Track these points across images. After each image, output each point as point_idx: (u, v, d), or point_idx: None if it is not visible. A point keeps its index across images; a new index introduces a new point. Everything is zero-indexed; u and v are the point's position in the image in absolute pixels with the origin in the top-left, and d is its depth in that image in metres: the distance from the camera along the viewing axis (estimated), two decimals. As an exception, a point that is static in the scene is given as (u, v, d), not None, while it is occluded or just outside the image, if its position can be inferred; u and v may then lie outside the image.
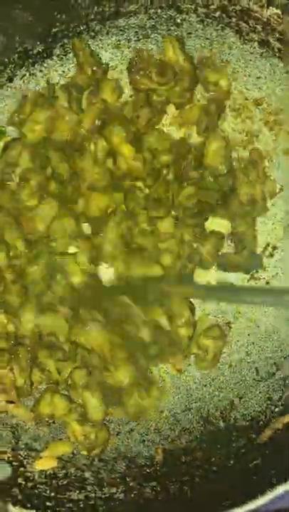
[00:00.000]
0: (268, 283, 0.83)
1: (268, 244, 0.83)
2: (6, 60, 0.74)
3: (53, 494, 0.67)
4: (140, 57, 0.80)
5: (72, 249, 0.78)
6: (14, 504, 0.64)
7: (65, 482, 0.69)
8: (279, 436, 0.72)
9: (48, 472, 0.69)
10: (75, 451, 0.74)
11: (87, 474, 0.71)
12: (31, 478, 0.68)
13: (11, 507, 0.63)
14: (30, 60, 0.76)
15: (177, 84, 0.79)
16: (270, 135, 0.82)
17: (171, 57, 0.76)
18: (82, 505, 0.66)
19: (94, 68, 0.78)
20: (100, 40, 0.78)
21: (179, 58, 0.76)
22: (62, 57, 0.78)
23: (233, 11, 0.72)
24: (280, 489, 0.65)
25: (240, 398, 0.79)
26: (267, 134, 0.82)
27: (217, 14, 0.73)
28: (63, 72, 0.80)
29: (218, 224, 0.82)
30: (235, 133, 0.83)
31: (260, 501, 0.65)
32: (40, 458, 0.71)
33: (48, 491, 0.67)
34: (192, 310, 0.81)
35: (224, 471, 0.71)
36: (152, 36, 0.78)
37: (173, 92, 0.80)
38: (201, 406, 0.80)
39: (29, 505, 0.64)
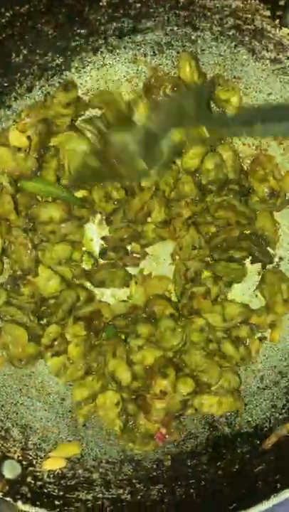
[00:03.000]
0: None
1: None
2: (27, 71, 0.76)
3: (61, 493, 0.68)
4: (155, 75, 0.83)
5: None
6: (24, 502, 0.65)
7: (73, 482, 0.71)
8: (283, 443, 0.74)
9: (56, 472, 0.71)
10: (83, 453, 0.75)
11: (94, 476, 0.73)
12: (40, 477, 0.69)
13: (20, 504, 0.65)
14: (50, 72, 0.79)
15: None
16: (278, 149, 0.85)
17: (186, 73, 0.79)
18: (90, 505, 0.68)
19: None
20: (117, 54, 0.81)
21: (194, 75, 0.79)
22: (80, 70, 0.81)
23: (247, 30, 0.75)
24: (285, 494, 0.67)
25: (245, 405, 0.81)
26: (276, 148, 0.85)
27: (231, 32, 0.76)
28: (81, 84, 0.83)
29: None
30: (244, 146, 0.86)
31: (265, 506, 0.66)
32: (49, 458, 0.72)
33: (56, 491, 0.68)
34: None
35: (229, 476, 0.72)
36: (167, 52, 0.81)
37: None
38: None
39: (38, 504, 0.65)
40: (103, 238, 0.84)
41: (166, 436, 0.79)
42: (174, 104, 0.76)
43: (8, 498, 0.65)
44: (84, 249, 0.87)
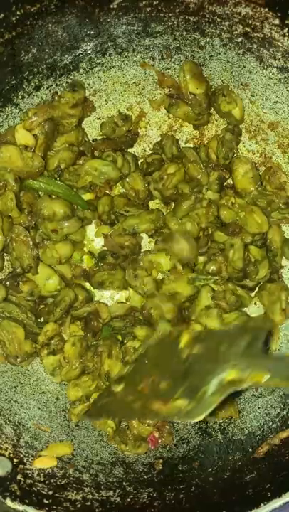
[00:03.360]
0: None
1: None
2: (35, 70, 0.77)
3: (50, 493, 0.68)
4: (161, 79, 0.84)
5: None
6: (12, 500, 0.65)
7: (63, 482, 0.70)
8: (276, 452, 0.73)
9: (47, 471, 0.71)
10: (74, 453, 0.75)
11: (85, 476, 0.72)
12: (30, 475, 0.69)
13: (9, 502, 0.65)
14: (58, 72, 0.80)
15: (192, 108, 0.82)
16: (282, 157, 0.85)
17: (187, 85, 0.80)
18: (79, 506, 0.67)
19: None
20: (126, 56, 0.81)
21: (189, 86, 0.80)
22: (88, 71, 0.81)
23: (255, 38, 0.75)
24: (275, 503, 0.66)
25: (239, 412, 0.80)
26: (280, 156, 0.85)
27: (239, 40, 0.76)
28: (88, 85, 0.83)
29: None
30: (249, 154, 0.86)
31: (254, 514, 0.66)
32: (40, 456, 0.72)
33: (45, 489, 0.68)
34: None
35: (220, 482, 0.72)
36: (176, 57, 0.82)
37: (189, 116, 0.83)
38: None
39: (27, 502, 0.65)
40: (105, 236, 0.84)
41: (159, 440, 0.79)
42: (224, 340, 0.66)
43: (-4, 495, 0.64)
44: (85, 249, 0.88)
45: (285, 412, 0.77)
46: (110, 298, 0.87)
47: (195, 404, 0.62)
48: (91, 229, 0.87)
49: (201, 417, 0.61)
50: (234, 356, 0.63)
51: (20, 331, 0.79)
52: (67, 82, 0.81)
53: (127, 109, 0.86)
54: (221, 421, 0.80)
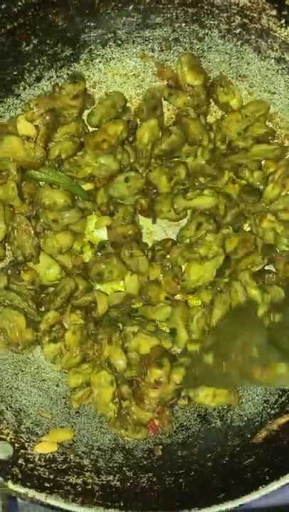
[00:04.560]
0: None
1: None
2: (36, 61, 0.78)
3: (51, 477, 0.69)
4: (160, 71, 0.85)
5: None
6: (14, 482, 0.66)
7: (63, 467, 0.71)
8: (274, 437, 0.74)
9: (47, 456, 0.71)
10: (74, 439, 0.76)
11: (85, 461, 0.73)
12: (31, 460, 0.70)
13: (11, 484, 0.65)
14: (59, 63, 0.81)
15: (192, 98, 0.83)
16: (281, 149, 0.86)
17: (185, 77, 0.81)
18: (79, 489, 0.68)
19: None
20: (126, 48, 0.82)
21: (187, 78, 0.81)
22: (88, 62, 0.83)
23: (253, 29, 0.76)
24: (273, 486, 0.67)
25: (238, 400, 0.81)
26: (278, 147, 0.86)
27: (238, 31, 0.77)
28: (88, 76, 0.84)
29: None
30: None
31: (252, 497, 0.67)
32: (41, 442, 0.73)
33: (46, 473, 0.69)
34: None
35: (219, 467, 0.73)
36: (174, 48, 0.83)
37: (188, 106, 0.84)
38: (199, 404, 0.82)
39: (28, 484, 0.66)
40: (108, 227, 0.85)
41: (159, 428, 0.80)
42: None
43: (-2, 478, 0.65)
44: (85, 240, 0.88)
45: (283, 399, 0.78)
46: (111, 288, 0.88)
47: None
48: (92, 220, 0.88)
49: None
50: None
51: (21, 319, 0.80)
52: (67, 74, 0.82)
53: (122, 93, 0.86)
54: (219, 408, 0.81)
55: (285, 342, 0.68)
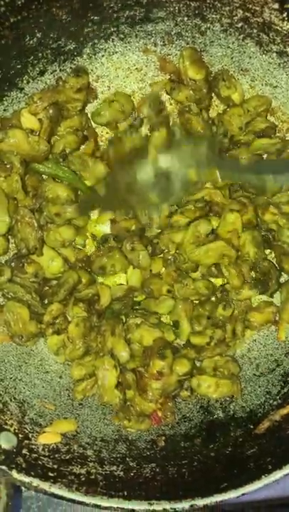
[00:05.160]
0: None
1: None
2: (40, 54, 0.78)
3: (55, 466, 0.69)
4: (162, 65, 0.86)
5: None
6: (18, 471, 0.66)
7: (67, 457, 0.72)
8: (277, 428, 0.74)
9: (51, 446, 0.72)
10: (78, 430, 0.76)
11: (89, 452, 0.74)
12: (35, 450, 0.70)
13: (15, 473, 0.66)
14: (62, 57, 0.81)
15: (194, 93, 0.84)
16: (282, 142, 0.86)
17: (187, 71, 0.82)
18: (83, 479, 0.69)
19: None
20: (128, 42, 0.83)
21: (188, 72, 0.81)
22: (91, 56, 0.83)
23: (255, 23, 0.77)
24: (276, 475, 0.67)
25: (240, 391, 0.82)
26: (280, 141, 0.86)
27: (240, 25, 0.78)
28: (91, 70, 0.85)
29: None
30: (249, 138, 0.88)
31: (255, 486, 0.67)
32: (45, 432, 0.73)
33: (50, 463, 0.69)
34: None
35: (222, 457, 0.73)
36: (177, 42, 0.83)
37: (190, 100, 0.85)
38: (202, 396, 0.82)
39: (32, 474, 0.66)
40: (112, 221, 0.85)
41: (162, 420, 0.80)
42: (188, 146, 0.78)
43: (3, 467, 0.66)
44: (88, 234, 0.89)
45: (285, 390, 0.79)
46: (113, 281, 0.88)
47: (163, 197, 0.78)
48: (94, 215, 0.89)
49: (167, 208, 0.79)
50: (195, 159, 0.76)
51: (24, 311, 0.80)
52: (71, 68, 0.83)
53: (129, 95, 0.87)
54: (222, 399, 0.81)
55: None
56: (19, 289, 0.81)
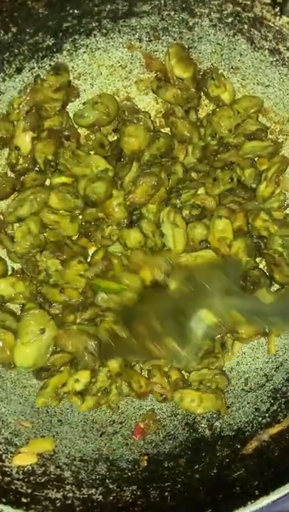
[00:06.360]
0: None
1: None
2: (16, 51, 0.74)
3: (29, 491, 0.65)
4: (148, 62, 0.81)
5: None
6: (-12, 498, 0.62)
7: (43, 480, 0.68)
8: (265, 449, 0.71)
9: (26, 468, 0.68)
10: (56, 450, 0.72)
11: (66, 474, 0.70)
12: (8, 473, 0.66)
13: (-16, 500, 0.62)
14: (40, 54, 0.76)
15: (182, 92, 0.80)
16: (274, 145, 0.82)
17: (173, 69, 0.78)
18: (58, 504, 0.65)
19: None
20: (111, 38, 0.78)
21: (175, 70, 0.77)
22: (72, 53, 0.78)
23: (246, 18, 0.72)
24: (263, 502, 0.64)
25: (228, 407, 0.78)
26: (272, 143, 0.82)
27: (230, 20, 0.73)
28: (72, 68, 0.80)
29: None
30: (240, 140, 0.83)
31: (241, 512, 0.63)
32: (20, 453, 0.69)
33: (24, 488, 0.65)
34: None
35: (206, 480, 0.69)
36: (163, 38, 0.78)
37: (178, 100, 0.80)
38: (187, 412, 0.78)
39: (3, 501, 0.62)
40: None
41: (146, 430, 0.77)
42: (206, 279, 0.69)
43: (-28, 493, 0.62)
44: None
45: (275, 407, 0.75)
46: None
47: (186, 347, 0.66)
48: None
49: (193, 362, 0.70)
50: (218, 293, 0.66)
51: (11, 338, 0.76)
52: (50, 65, 0.78)
53: (113, 94, 0.83)
54: (208, 416, 0.77)
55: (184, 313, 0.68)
56: (7, 317, 0.77)
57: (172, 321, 0.67)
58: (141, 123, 0.80)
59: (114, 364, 0.76)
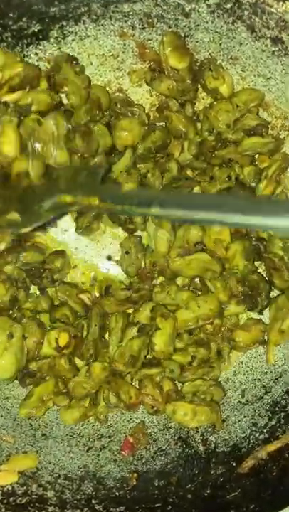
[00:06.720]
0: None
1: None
2: (-2, 37, 0.69)
3: (8, 514, 0.61)
4: (141, 51, 0.76)
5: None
6: None
7: (23, 501, 0.63)
8: (262, 468, 0.66)
9: (6, 488, 0.64)
10: (39, 467, 0.68)
11: (49, 493, 0.65)
12: (-13, 493, 0.62)
13: None
14: (25, 41, 0.71)
15: (177, 83, 0.75)
16: (275, 141, 0.77)
17: (168, 58, 0.73)
18: (39, 528, 0.61)
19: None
20: (102, 25, 0.73)
21: (170, 60, 0.73)
22: (60, 40, 0.73)
23: (246, 4, 0.67)
24: (259, 527, 0.59)
25: (223, 421, 0.73)
26: (273, 139, 0.77)
27: (229, 6, 0.68)
28: (60, 56, 0.75)
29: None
30: (239, 136, 0.78)
31: (236, 539, 0.59)
32: (0, 472, 0.65)
33: (2, 510, 0.61)
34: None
35: (199, 501, 0.65)
36: (158, 26, 0.73)
37: (173, 92, 0.76)
38: (180, 426, 0.74)
39: (-20, 525, 0.58)
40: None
41: (135, 445, 0.72)
42: (67, 172, 0.71)
43: None
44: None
45: (273, 422, 0.70)
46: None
47: (27, 217, 0.67)
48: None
49: (30, 228, 0.67)
50: (71, 186, 0.69)
51: None
52: (36, 54, 0.73)
53: (105, 86, 0.78)
54: (202, 430, 0.73)
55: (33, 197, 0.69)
56: None
57: (24, 200, 0.68)
58: (135, 116, 0.76)
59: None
